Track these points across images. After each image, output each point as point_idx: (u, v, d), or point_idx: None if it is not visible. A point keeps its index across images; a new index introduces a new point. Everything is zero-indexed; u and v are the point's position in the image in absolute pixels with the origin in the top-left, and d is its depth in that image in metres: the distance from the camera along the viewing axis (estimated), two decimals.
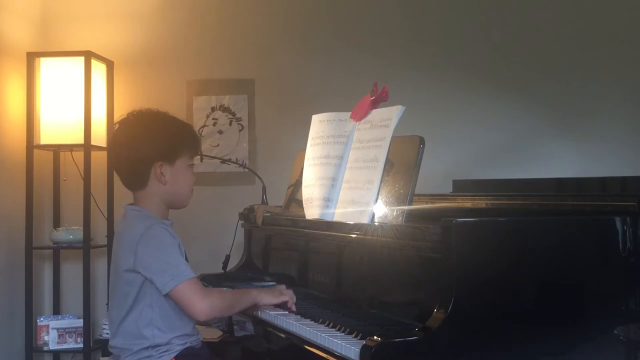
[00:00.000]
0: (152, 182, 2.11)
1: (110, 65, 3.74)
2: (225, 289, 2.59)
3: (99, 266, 3.83)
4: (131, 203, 2.17)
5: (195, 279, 2.04)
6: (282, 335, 2.10)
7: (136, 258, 2.01)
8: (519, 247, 1.86)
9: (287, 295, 2.20)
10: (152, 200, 2.13)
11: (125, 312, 2.06)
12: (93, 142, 3.52)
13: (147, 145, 2.10)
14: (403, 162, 2.08)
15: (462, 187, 3.25)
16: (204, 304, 2.00)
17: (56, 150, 3.69)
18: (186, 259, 2.11)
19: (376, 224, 2.06)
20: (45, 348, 3.55)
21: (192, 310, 2.01)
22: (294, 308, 2.20)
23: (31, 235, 3.53)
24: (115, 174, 3.71)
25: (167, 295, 2.01)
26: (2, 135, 3.51)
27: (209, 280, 2.78)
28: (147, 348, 2.04)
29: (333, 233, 2.27)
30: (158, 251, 2.02)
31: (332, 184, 2.29)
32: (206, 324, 2.80)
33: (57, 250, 3.73)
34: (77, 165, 3.60)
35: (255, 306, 2.21)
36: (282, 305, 2.21)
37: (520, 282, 1.83)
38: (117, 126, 2.16)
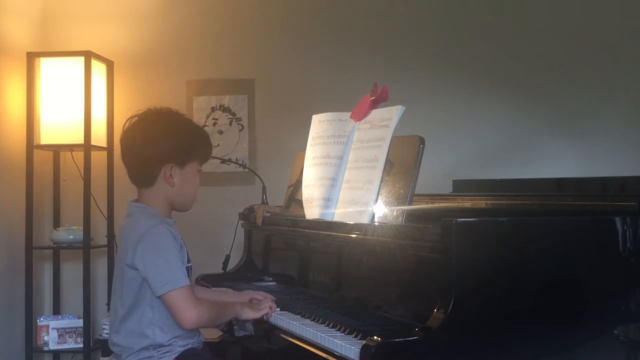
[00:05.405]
0: (160, 182, 2.10)
1: (110, 65, 3.74)
2: (224, 289, 2.60)
3: (99, 266, 3.83)
4: (135, 200, 2.16)
5: (189, 288, 2.03)
6: (282, 335, 2.10)
7: (135, 255, 2.01)
8: (519, 247, 1.86)
9: (266, 308, 2.19)
10: (157, 199, 2.12)
11: (127, 310, 2.06)
12: (93, 142, 3.52)
13: (162, 144, 2.08)
14: (403, 162, 2.08)
15: (462, 187, 3.25)
16: (193, 313, 2.00)
17: (56, 150, 3.69)
18: (188, 260, 2.12)
19: (376, 224, 2.06)
20: (45, 348, 3.55)
21: (180, 318, 2.00)
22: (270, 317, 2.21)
23: (31, 235, 3.53)
24: (115, 175, 3.73)
25: (159, 298, 2.01)
26: (2, 135, 3.51)
27: (209, 281, 2.77)
28: (148, 348, 2.04)
29: (333, 233, 2.27)
30: (157, 252, 2.01)
31: (332, 184, 2.29)
32: None
33: (57, 250, 3.73)
34: (77, 165, 3.60)
35: (237, 318, 2.22)
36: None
37: (520, 282, 1.83)
38: (134, 119, 2.13)
